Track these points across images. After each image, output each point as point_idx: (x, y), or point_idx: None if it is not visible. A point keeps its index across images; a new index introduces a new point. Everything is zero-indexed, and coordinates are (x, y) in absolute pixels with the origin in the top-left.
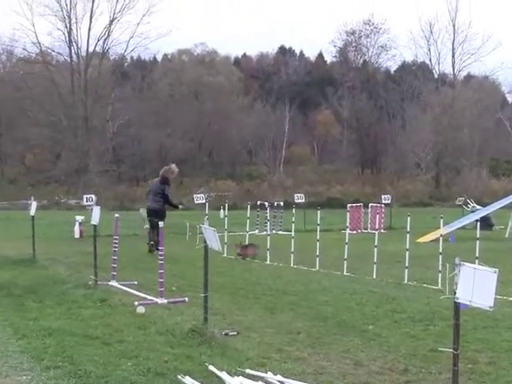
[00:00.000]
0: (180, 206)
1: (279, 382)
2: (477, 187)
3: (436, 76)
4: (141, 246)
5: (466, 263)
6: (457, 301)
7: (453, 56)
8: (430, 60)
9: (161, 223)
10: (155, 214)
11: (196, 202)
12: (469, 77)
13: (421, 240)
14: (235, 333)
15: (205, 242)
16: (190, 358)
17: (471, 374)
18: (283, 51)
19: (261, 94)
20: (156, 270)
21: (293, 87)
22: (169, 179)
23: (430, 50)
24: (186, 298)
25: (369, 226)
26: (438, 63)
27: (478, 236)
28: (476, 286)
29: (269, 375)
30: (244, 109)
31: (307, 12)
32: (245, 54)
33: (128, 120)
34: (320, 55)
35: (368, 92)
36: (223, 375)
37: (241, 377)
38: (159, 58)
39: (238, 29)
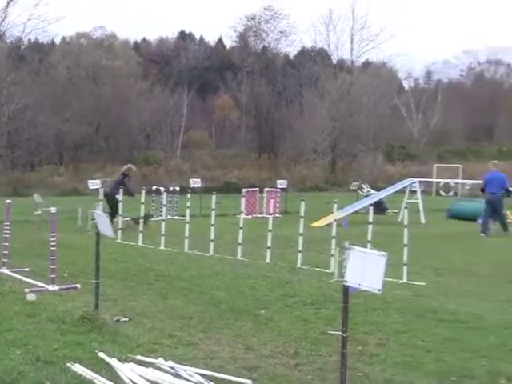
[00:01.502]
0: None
1: (170, 367)
2: (372, 172)
3: (334, 62)
4: (33, 232)
5: (355, 247)
6: (346, 284)
7: (351, 42)
8: (329, 46)
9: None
10: (106, 197)
11: (90, 187)
12: (367, 63)
13: (315, 224)
14: (127, 319)
15: (97, 227)
16: (80, 345)
17: (360, 356)
18: (183, 36)
19: (160, 79)
20: (48, 256)
21: (192, 72)
22: (128, 175)
23: (328, 36)
24: (78, 285)
25: (264, 210)
26: (337, 49)
27: (370, 220)
28: (365, 269)
29: (160, 361)
30: (143, 93)
31: None
32: (144, 39)
33: (24, 104)
34: (220, 40)
35: (267, 77)
36: (113, 362)
37: (131, 363)
38: (57, 41)
39: (137, 13)
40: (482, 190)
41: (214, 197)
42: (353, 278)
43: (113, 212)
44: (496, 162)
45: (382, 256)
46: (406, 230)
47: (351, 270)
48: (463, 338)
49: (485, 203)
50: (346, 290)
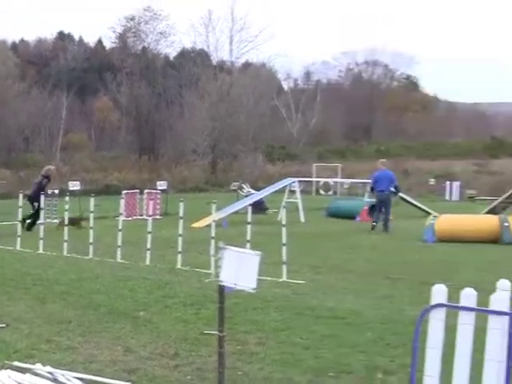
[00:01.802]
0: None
1: (48, 373)
2: (252, 172)
3: (214, 63)
4: None
5: (229, 247)
6: (221, 284)
7: (230, 43)
8: (209, 47)
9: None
10: (30, 199)
11: None
12: (247, 64)
13: (195, 225)
14: (4, 325)
15: None
16: None
17: (240, 355)
18: (62, 36)
19: (38, 81)
20: None
21: (71, 73)
22: (49, 176)
23: (208, 37)
24: None
25: (144, 212)
26: (216, 50)
27: (249, 220)
28: (240, 268)
29: (38, 366)
30: (20, 95)
31: None
32: (22, 39)
33: None
34: (99, 41)
35: (147, 78)
36: None
37: (8, 370)
38: None
39: (15, 13)
40: (372, 189)
41: (92, 199)
42: (228, 278)
43: (35, 215)
44: (384, 160)
45: (256, 255)
46: (284, 229)
47: (226, 270)
48: (341, 334)
49: (375, 201)
50: (221, 289)
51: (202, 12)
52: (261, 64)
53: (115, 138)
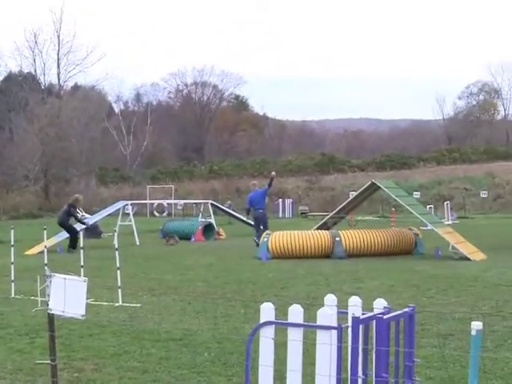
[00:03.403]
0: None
1: None
2: (86, 196)
3: (42, 87)
4: None
5: (56, 274)
6: (50, 312)
7: (58, 67)
8: (36, 70)
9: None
10: (62, 227)
11: None
12: (76, 87)
13: (29, 252)
14: None
15: None
16: None
17: (77, 383)
18: None
19: None
20: None
21: None
22: (74, 205)
23: (35, 60)
24: None
25: None
26: (44, 74)
27: (81, 245)
28: (67, 295)
29: None
30: None
31: None
32: None
33: None
34: None
35: None
36: None
37: None
38: None
39: None
40: (248, 210)
41: None
42: (56, 306)
43: (72, 238)
44: (255, 182)
45: (83, 281)
46: (117, 252)
47: (54, 298)
48: (179, 356)
49: (254, 220)
50: (51, 318)
51: (28, 35)
52: (90, 87)
53: None
